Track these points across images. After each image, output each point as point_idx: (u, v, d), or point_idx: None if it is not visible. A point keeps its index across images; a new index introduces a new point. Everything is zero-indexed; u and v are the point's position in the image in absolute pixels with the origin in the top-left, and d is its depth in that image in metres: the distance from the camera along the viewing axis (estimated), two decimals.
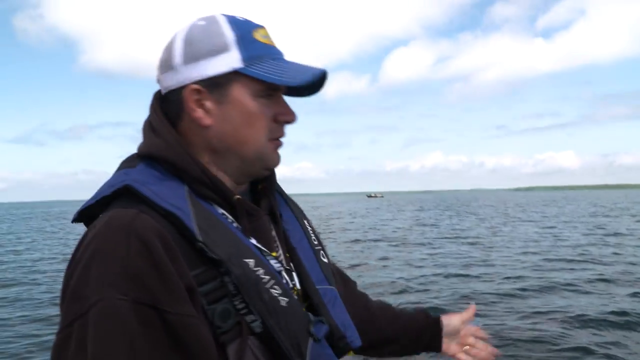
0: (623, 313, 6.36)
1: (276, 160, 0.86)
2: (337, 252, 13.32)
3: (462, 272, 9.84)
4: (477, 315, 1.26)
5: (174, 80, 0.81)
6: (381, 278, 9.41)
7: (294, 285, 0.85)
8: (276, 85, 0.81)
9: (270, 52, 0.83)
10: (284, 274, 0.83)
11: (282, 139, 0.86)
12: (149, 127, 0.82)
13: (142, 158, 0.80)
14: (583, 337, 5.59)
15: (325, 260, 0.95)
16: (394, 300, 7.33)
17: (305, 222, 0.98)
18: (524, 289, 8.01)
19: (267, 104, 0.82)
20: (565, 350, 5.18)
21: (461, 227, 21.88)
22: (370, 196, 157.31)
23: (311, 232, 0.97)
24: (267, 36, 0.84)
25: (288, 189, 1.02)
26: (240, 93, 0.80)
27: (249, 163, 0.83)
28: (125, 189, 0.73)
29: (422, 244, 15.14)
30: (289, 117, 0.85)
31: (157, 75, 0.85)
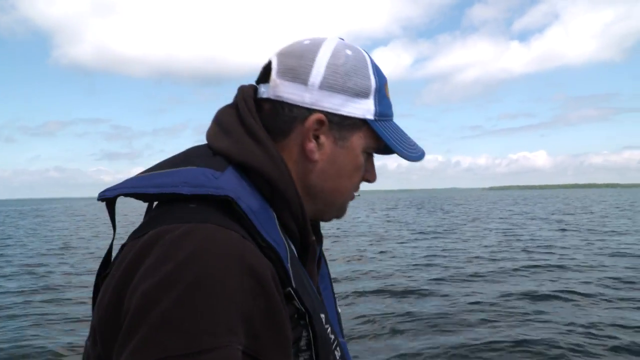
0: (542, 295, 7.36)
1: (346, 212, 0.87)
2: None
3: (421, 262, 10.91)
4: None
5: (299, 97, 0.74)
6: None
7: None
8: (385, 147, 0.80)
9: (392, 113, 0.82)
10: None
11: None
12: (246, 132, 0.73)
13: (227, 160, 0.71)
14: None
15: (339, 310, 0.93)
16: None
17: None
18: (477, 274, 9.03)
19: (366, 160, 0.82)
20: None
21: (428, 224, 22.89)
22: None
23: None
24: (389, 91, 0.83)
25: None
26: (358, 143, 0.78)
27: (330, 210, 0.83)
28: (227, 202, 0.64)
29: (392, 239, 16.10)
30: (373, 177, 0.85)
31: (274, 77, 0.76)
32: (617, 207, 35.35)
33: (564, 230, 17.96)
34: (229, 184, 0.66)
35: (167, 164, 0.71)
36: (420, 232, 18.29)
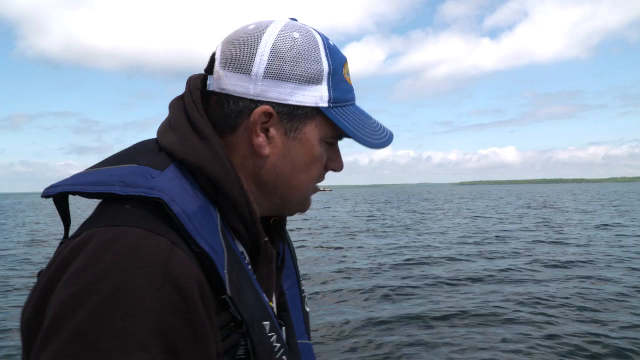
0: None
1: (309, 206, 0.82)
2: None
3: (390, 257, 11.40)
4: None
5: (244, 88, 0.70)
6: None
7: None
8: (345, 135, 0.76)
9: (353, 96, 0.78)
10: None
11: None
12: (191, 127, 0.70)
13: (171, 158, 0.68)
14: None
15: (308, 309, 0.91)
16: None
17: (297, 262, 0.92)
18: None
19: (326, 149, 0.77)
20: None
21: (396, 220, 23.38)
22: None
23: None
24: (349, 74, 0.78)
25: None
26: (312, 133, 0.73)
27: (289, 206, 0.78)
28: (157, 203, 0.60)
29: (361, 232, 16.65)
30: (339, 165, 0.81)
31: (217, 69, 0.72)
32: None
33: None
34: (166, 184, 0.63)
35: (113, 160, 0.68)
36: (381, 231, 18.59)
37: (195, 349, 0.55)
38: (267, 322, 0.68)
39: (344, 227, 19.42)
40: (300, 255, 11.77)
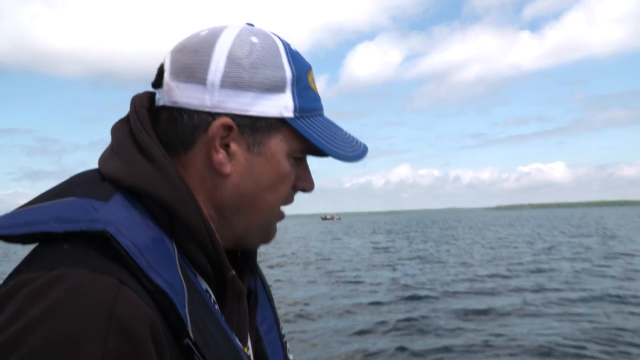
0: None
1: (274, 234, 0.76)
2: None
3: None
4: None
5: (199, 100, 0.65)
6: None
7: None
8: (315, 149, 0.70)
9: (320, 105, 0.74)
10: None
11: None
12: (138, 150, 0.64)
13: (115, 186, 0.62)
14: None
15: (291, 357, 0.85)
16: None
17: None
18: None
19: (294, 165, 0.71)
20: None
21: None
22: (324, 218, 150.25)
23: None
24: (314, 82, 0.73)
25: None
26: (278, 147, 0.68)
27: (252, 234, 0.72)
28: (102, 236, 0.54)
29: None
30: (309, 185, 0.75)
31: (167, 80, 0.67)
32: None
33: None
34: (111, 215, 0.56)
35: (47, 195, 0.61)
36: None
37: None
38: None
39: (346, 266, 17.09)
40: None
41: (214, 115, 0.65)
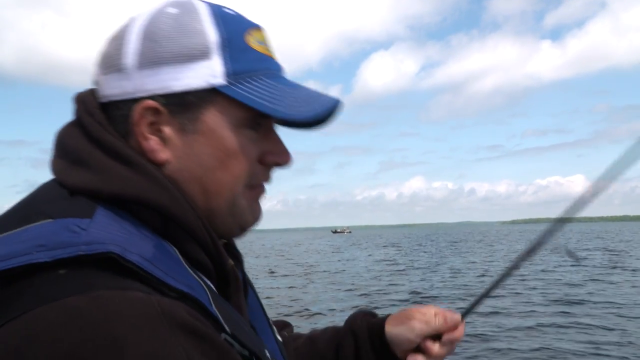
0: None
1: (256, 215, 0.70)
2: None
3: None
4: None
5: (119, 88, 0.62)
6: None
7: None
8: (266, 115, 0.65)
9: (267, 66, 0.67)
10: None
11: (266, 186, 0.71)
12: (106, 153, 0.60)
13: (91, 199, 0.57)
14: None
15: (280, 338, 0.85)
16: None
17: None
18: None
19: (252, 138, 0.65)
20: None
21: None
22: (335, 232, 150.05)
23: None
24: (263, 42, 0.68)
25: None
26: (216, 120, 0.63)
27: (220, 220, 0.65)
28: (109, 258, 0.50)
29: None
30: (282, 157, 0.69)
31: (96, 75, 0.65)
32: None
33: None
34: (104, 232, 0.53)
35: (8, 220, 0.55)
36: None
37: None
38: (267, 351, 0.65)
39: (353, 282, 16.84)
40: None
41: (136, 101, 0.61)
